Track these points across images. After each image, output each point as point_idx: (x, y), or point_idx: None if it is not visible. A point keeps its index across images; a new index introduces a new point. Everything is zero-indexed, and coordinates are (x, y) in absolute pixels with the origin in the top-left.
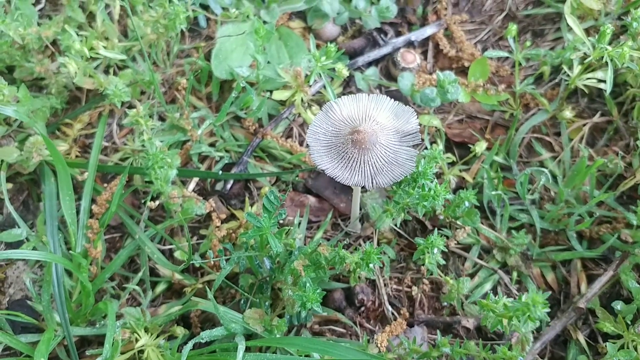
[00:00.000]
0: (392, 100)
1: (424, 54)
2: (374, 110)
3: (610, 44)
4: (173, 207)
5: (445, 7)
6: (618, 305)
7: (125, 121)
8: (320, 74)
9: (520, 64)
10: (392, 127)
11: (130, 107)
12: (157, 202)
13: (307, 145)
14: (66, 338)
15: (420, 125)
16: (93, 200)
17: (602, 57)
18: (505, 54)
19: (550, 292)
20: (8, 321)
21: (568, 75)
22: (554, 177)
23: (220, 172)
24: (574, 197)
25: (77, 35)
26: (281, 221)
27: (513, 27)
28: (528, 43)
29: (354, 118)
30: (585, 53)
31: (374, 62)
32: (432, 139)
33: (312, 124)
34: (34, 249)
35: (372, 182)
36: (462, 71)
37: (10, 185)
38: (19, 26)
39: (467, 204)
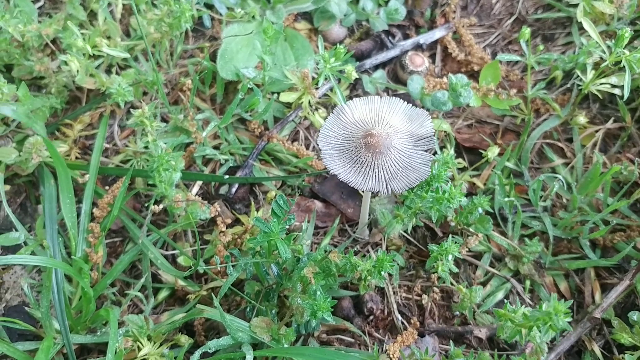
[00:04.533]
0: (405, 102)
1: (432, 57)
2: (387, 113)
3: (624, 49)
4: (177, 211)
5: (454, 10)
6: (634, 315)
7: (129, 122)
8: (329, 75)
9: (532, 68)
10: (406, 130)
11: (133, 107)
12: (160, 206)
13: (319, 149)
14: (65, 346)
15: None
16: (94, 204)
17: (619, 61)
18: (517, 58)
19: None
20: (4, 328)
21: (581, 80)
22: (567, 184)
23: (226, 175)
24: (587, 204)
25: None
26: (288, 226)
27: (526, 31)
28: (541, 47)
29: (366, 121)
30: (600, 57)
31: (382, 65)
32: (441, 143)
33: (323, 127)
34: (32, 253)
35: (386, 187)
36: (471, 75)
37: (7, 187)
38: (19, 23)
39: (480, 210)
